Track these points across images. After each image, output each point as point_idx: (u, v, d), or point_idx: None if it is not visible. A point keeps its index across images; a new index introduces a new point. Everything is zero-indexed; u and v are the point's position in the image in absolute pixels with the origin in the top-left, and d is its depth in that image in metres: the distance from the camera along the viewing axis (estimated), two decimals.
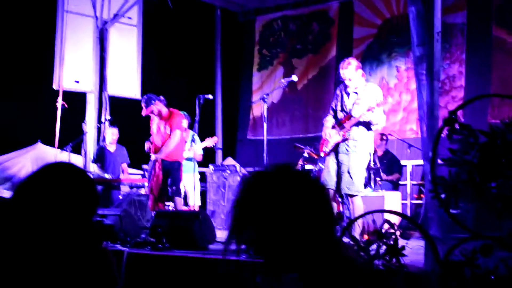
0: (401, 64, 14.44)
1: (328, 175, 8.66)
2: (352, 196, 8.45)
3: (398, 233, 4.40)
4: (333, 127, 8.67)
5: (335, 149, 8.54)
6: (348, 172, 8.36)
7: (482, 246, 3.94)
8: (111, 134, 12.45)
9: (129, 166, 13.20)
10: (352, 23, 15.47)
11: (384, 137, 12.39)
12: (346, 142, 8.42)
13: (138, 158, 13.08)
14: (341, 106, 8.66)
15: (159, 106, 10.29)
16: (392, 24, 14.78)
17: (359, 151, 8.40)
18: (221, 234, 10.06)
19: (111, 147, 12.47)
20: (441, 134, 4.16)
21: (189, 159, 11.55)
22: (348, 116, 8.48)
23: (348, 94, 8.61)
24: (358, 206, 8.44)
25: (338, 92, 8.84)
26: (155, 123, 10.44)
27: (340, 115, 8.65)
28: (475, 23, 13.42)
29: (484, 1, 13.32)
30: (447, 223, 4.93)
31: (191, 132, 11.59)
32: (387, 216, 7.84)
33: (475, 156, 3.95)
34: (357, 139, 8.39)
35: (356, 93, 8.52)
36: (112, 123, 12.74)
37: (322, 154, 8.91)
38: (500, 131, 3.90)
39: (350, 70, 8.46)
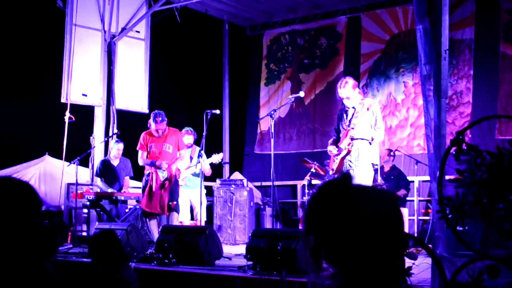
0: (409, 80, 14.44)
1: None
2: None
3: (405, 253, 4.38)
4: (334, 144, 8.73)
5: (340, 166, 8.53)
6: None
7: (489, 267, 3.92)
8: (117, 149, 12.44)
9: (135, 179, 13.21)
10: (360, 38, 15.50)
11: (392, 153, 12.38)
12: (349, 157, 8.39)
13: (143, 172, 13.10)
14: (342, 124, 8.67)
15: (166, 124, 10.34)
16: (399, 40, 14.80)
17: (361, 166, 8.35)
18: (227, 249, 10.05)
19: (115, 161, 12.46)
20: (448, 154, 4.16)
21: (196, 175, 11.55)
22: (348, 130, 8.49)
23: (346, 112, 8.65)
24: None
25: (339, 113, 8.91)
26: (150, 139, 10.41)
27: (342, 132, 8.68)
28: (482, 39, 13.42)
29: (491, 17, 13.34)
30: (454, 242, 4.92)
31: (197, 148, 11.60)
32: None
33: (482, 177, 3.94)
34: (359, 154, 8.37)
35: (354, 107, 8.54)
36: (119, 138, 12.73)
37: (330, 172, 8.93)
38: (508, 152, 3.89)
39: (348, 89, 8.52)
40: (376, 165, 8.82)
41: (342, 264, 1.96)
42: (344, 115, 8.69)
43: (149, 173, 10.30)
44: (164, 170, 10.15)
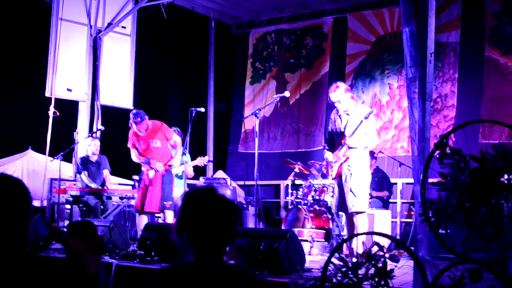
0: (394, 82, 14.47)
1: (334, 195, 9.09)
2: (357, 213, 8.49)
3: (387, 255, 4.40)
4: (331, 150, 8.84)
5: (340, 171, 8.64)
6: (352, 191, 8.46)
7: (471, 271, 3.94)
8: (94, 146, 12.33)
9: (117, 175, 13.17)
10: (346, 39, 15.51)
11: (375, 155, 12.40)
12: (347, 163, 8.51)
13: (127, 169, 13.05)
14: (336, 129, 8.78)
15: (148, 122, 10.23)
16: (385, 41, 14.83)
17: (360, 170, 8.50)
18: None
19: (93, 158, 12.37)
20: (432, 158, 4.17)
21: (179, 177, 11.52)
22: (344, 137, 8.58)
23: (340, 116, 8.74)
24: (362, 225, 8.50)
25: (332, 116, 9.02)
26: (140, 140, 10.37)
27: (337, 137, 8.76)
28: (468, 43, 13.46)
29: (477, 21, 13.37)
30: (437, 244, 4.95)
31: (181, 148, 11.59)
32: (376, 238, 7.86)
33: (465, 181, 3.96)
34: (356, 159, 8.48)
35: (348, 114, 8.63)
36: (95, 135, 12.69)
37: (330, 178, 9.12)
38: (491, 156, 3.91)
39: (339, 93, 8.65)
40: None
41: (195, 242, 3.03)
42: (338, 120, 8.79)
43: (142, 172, 10.38)
44: (159, 171, 10.17)
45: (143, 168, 10.45)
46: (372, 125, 8.66)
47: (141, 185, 10.41)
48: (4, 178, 2.87)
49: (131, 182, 13.19)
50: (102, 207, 11.75)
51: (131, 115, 10.19)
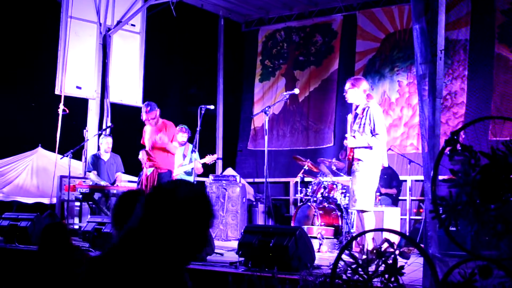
0: (403, 79, 14.44)
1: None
2: (362, 212, 8.41)
3: (397, 252, 4.40)
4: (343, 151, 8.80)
5: (350, 167, 8.59)
6: (353, 190, 8.38)
7: (482, 268, 3.93)
8: (106, 143, 12.36)
9: (127, 173, 13.19)
10: (355, 37, 15.49)
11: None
12: (354, 162, 8.43)
13: (136, 166, 13.08)
14: (351, 126, 8.65)
15: (158, 114, 10.31)
16: (395, 39, 14.80)
17: (363, 170, 8.37)
18: (219, 245, 10.05)
19: (105, 156, 12.38)
20: (443, 154, 4.16)
21: (188, 173, 11.53)
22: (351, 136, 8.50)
23: (354, 114, 8.61)
24: (368, 222, 8.41)
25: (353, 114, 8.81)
26: (148, 131, 10.45)
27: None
28: (478, 40, 13.42)
29: (487, 18, 13.33)
30: (446, 241, 4.94)
31: (190, 146, 11.57)
32: (386, 234, 7.84)
33: (476, 177, 3.95)
34: (361, 159, 8.38)
35: (357, 113, 8.51)
36: (107, 132, 12.72)
37: (342, 174, 9.09)
38: (502, 153, 3.89)
39: (354, 88, 8.44)
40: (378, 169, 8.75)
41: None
42: (352, 116, 8.64)
43: (140, 174, 10.43)
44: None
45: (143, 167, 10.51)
46: (378, 121, 8.42)
47: (140, 185, 10.45)
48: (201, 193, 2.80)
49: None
50: (108, 204, 11.79)
51: (143, 105, 10.33)
